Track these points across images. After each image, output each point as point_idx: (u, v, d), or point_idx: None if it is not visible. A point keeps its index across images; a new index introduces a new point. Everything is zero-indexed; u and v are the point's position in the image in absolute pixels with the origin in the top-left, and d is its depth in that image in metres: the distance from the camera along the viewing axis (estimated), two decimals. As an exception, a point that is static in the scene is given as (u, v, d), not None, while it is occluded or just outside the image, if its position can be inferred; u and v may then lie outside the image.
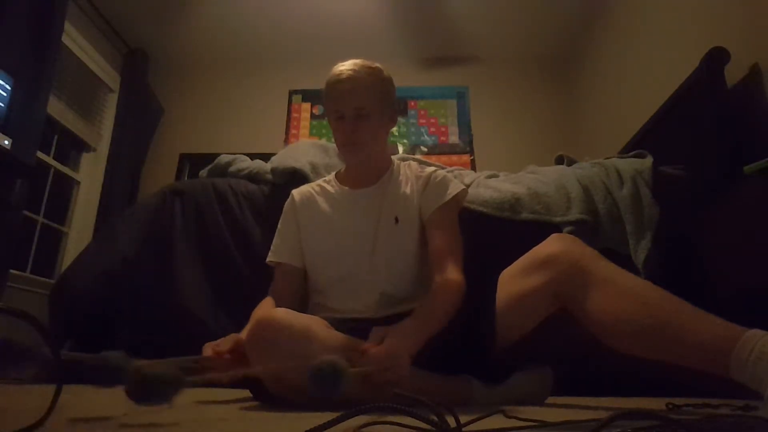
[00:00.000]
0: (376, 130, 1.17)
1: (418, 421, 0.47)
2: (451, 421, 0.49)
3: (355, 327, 0.92)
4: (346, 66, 1.13)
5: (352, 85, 1.10)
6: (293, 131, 3.60)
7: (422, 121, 3.63)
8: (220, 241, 1.62)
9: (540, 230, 1.32)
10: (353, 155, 1.17)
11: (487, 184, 1.69)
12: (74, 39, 2.93)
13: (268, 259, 1.22)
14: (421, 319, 0.93)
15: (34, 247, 2.67)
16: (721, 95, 1.74)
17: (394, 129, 1.26)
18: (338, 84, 1.11)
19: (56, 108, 2.77)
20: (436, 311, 0.97)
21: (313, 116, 3.64)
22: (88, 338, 1.50)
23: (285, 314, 0.83)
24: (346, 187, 1.24)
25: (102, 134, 3.25)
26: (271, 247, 1.24)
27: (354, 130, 1.12)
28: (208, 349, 0.91)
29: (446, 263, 1.07)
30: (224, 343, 0.92)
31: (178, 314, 1.50)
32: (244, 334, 0.95)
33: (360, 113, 1.12)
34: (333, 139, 1.22)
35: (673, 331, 0.80)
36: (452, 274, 1.05)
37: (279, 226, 1.27)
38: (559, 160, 2.02)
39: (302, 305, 1.18)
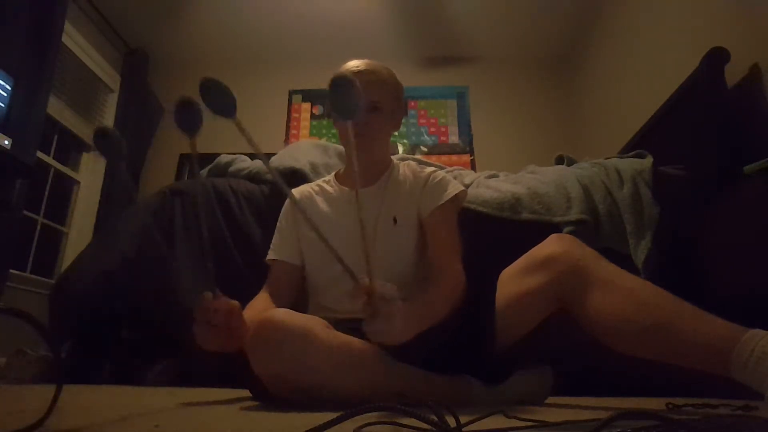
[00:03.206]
0: (385, 127, 1.18)
1: (418, 421, 0.47)
2: (451, 421, 0.49)
3: (355, 327, 0.92)
4: (362, 61, 1.14)
5: (370, 77, 1.11)
6: (293, 131, 3.60)
7: (422, 121, 3.63)
8: (220, 241, 1.62)
9: (540, 230, 1.32)
10: (361, 148, 1.17)
11: (487, 184, 1.69)
12: (74, 39, 2.93)
13: (267, 258, 1.22)
14: (419, 305, 0.90)
15: (34, 247, 2.67)
16: (721, 95, 1.74)
17: (394, 130, 1.29)
18: (356, 75, 1.11)
19: (56, 108, 2.77)
20: (435, 302, 0.94)
21: (313, 116, 3.64)
22: (87, 338, 1.50)
23: (285, 314, 0.83)
24: (345, 187, 1.24)
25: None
26: (271, 246, 1.24)
27: (366, 123, 1.12)
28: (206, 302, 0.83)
29: (446, 258, 1.06)
30: (223, 303, 0.84)
31: (178, 314, 1.50)
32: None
33: (374, 106, 1.12)
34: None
35: (673, 332, 0.80)
36: (452, 271, 1.04)
37: (278, 225, 1.27)
38: (559, 160, 2.02)
39: (297, 304, 1.18)
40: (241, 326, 0.87)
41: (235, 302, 0.87)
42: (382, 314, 0.75)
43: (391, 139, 1.37)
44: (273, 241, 1.25)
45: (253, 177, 1.77)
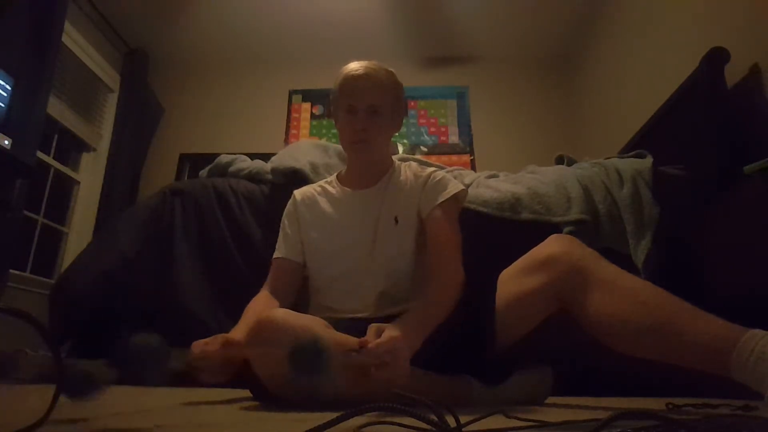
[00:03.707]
0: (385, 130, 1.18)
1: (418, 421, 0.47)
2: (451, 421, 0.49)
3: (354, 326, 0.92)
4: (362, 63, 1.14)
5: (369, 82, 1.12)
6: (293, 131, 3.60)
7: (422, 121, 3.63)
8: (220, 241, 1.62)
9: (540, 230, 1.32)
10: (361, 152, 1.18)
11: (487, 184, 1.69)
12: (74, 39, 2.93)
13: (273, 257, 1.23)
14: (420, 314, 0.93)
15: (34, 247, 2.67)
16: (721, 95, 1.74)
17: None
18: (355, 79, 1.12)
19: (56, 108, 2.77)
20: (435, 306, 0.97)
21: (313, 116, 3.63)
22: (87, 338, 1.50)
23: (285, 314, 0.84)
24: (347, 188, 1.24)
25: (102, 134, 3.25)
26: (276, 246, 1.25)
27: (365, 127, 1.13)
28: (197, 349, 0.90)
29: (445, 258, 1.07)
30: (212, 343, 0.90)
31: (178, 314, 1.50)
32: (234, 334, 0.95)
33: (373, 110, 1.13)
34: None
35: (672, 332, 0.80)
36: (451, 268, 1.05)
37: (282, 225, 1.28)
38: (559, 160, 2.02)
39: (297, 304, 1.19)
40: (238, 351, 0.89)
41: (223, 335, 0.92)
42: (390, 366, 0.79)
43: (392, 139, 1.37)
44: (278, 240, 1.26)
45: (253, 177, 1.77)
